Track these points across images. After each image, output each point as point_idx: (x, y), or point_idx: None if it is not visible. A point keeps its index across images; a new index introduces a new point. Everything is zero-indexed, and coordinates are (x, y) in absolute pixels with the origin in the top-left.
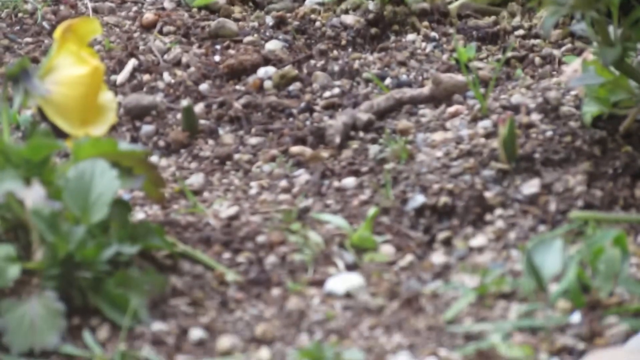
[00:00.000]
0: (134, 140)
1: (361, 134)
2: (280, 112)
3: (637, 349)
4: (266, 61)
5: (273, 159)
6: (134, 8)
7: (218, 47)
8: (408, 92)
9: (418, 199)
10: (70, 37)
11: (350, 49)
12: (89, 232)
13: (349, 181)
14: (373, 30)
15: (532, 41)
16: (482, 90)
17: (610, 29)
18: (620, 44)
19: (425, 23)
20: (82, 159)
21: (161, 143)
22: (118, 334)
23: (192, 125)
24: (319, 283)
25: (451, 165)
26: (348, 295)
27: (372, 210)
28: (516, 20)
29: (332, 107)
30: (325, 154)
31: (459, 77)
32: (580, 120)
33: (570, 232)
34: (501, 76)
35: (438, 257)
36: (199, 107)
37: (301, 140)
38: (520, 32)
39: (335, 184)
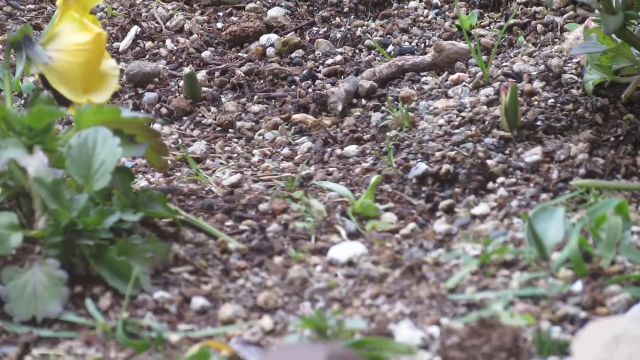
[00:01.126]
0: (137, 107)
1: (363, 101)
2: (282, 79)
3: (639, 317)
4: (268, 28)
5: (275, 126)
6: None
7: (220, 14)
8: (410, 59)
9: (420, 167)
10: (72, 4)
11: (352, 16)
12: (91, 199)
13: (351, 149)
14: None
15: (534, 8)
16: (484, 57)
17: None
18: (622, 12)
19: None
20: (85, 126)
21: (164, 110)
22: (120, 302)
23: (195, 92)
24: (322, 251)
25: (453, 133)
26: (350, 264)
27: (374, 178)
28: None
29: (334, 75)
30: (327, 121)
31: (461, 45)
32: (582, 88)
33: (572, 200)
34: (503, 43)
35: (440, 225)
36: (201, 75)
37: (303, 108)
38: None
39: (338, 151)
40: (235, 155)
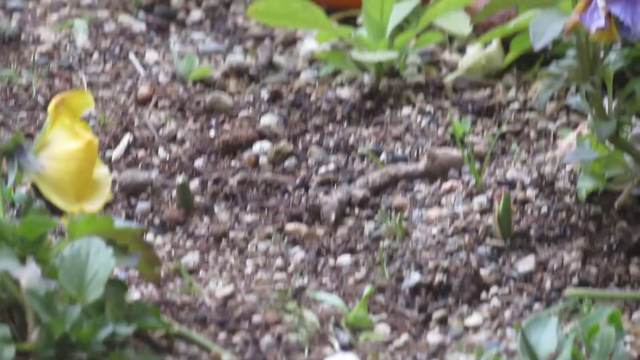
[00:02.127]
0: (129, 217)
1: (356, 210)
2: (275, 188)
3: None
4: (261, 136)
5: (269, 236)
6: (129, 82)
7: (213, 121)
8: (403, 167)
9: (413, 277)
10: (63, 111)
11: (345, 123)
12: (84, 312)
13: (345, 259)
14: (368, 104)
15: (528, 114)
16: (477, 165)
17: (605, 102)
18: (615, 118)
19: (421, 96)
20: (77, 236)
21: (156, 221)
22: None
23: (188, 202)
24: None
25: (446, 243)
26: None
27: (367, 289)
28: (511, 93)
29: (327, 183)
30: (320, 231)
31: (455, 152)
32: (575, 195)
33: (566, 310)
34: (496, 151)
35: (433, 337)
36: (194, 184)
37: (296, 218)
38: (516, 105)
39: (331, 262)
40: (228, 266)
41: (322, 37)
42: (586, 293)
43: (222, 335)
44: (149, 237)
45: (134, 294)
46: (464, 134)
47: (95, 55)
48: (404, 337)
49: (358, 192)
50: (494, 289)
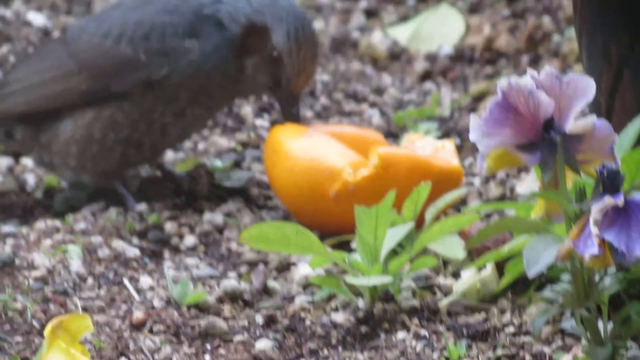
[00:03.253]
0: None
1: None
2: None
3: None
4: None
5: None
6: (124, 307)
7: (208, 346)
8: None
9: None
10: (60, 334)
11: (340, 348)
12: None
13: None
14: (363, 329)
15: (523, 338)
16: None
17: (601, 325)
18: (610, 342)
19: (416, 321)
20: None
21: None
22: None
23: None
24: None
25: None
26: None
27: None
28: (506, 317)
29: None
30: None
31: None
32: None
33: None
34: None
35: None
36: None
37: None
38: (511, 329)
39: None
40: None
41: (316, 263)
42: None
43: None
44: None
45: None
46: (459, 358)
47: (90, 280)
48: None
49: None
50: None
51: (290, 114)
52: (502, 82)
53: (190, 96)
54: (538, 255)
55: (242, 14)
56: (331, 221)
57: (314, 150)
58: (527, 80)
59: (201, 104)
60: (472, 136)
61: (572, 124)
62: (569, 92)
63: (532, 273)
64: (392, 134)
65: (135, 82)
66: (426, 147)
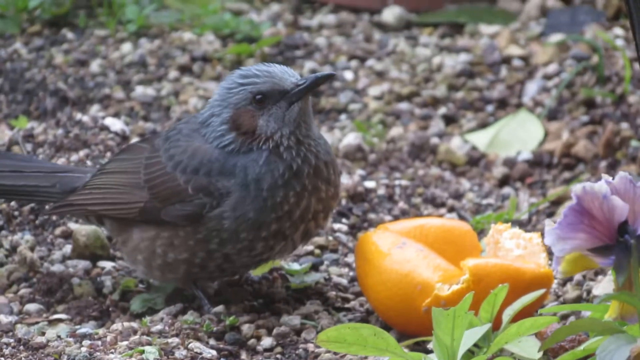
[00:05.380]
0: None
1: None
2: None
3: None
4: None
5: None
6: None
7: None
8: None
9: None
10: None
11: None
12: None
13: None
14: None
15: None
16: None
17: None
18: None
19: None
20: None
21: None
22: None
23: None
24: None
25: None
26: None
27: None
28: None
29: None
30: None
31: None
32: None
33: None
34: None
35: None
36: None
37: None
38: None
39: None
40: None
41: None
42: None
43: None
44: None
45: None
46: None
47: None
48: None
49: None
50: None
51: (311, 85)
52: (576, 188)
53: (255, 233)
54: (611, 355)
55: (221, 119)
56: (423, 331)
57: (406, 263)
58: (602, 185)
59: (279, 232)
60: (547, 240)
61: None
62: None
63: None
64: None
65: (179, 214)
66: (513, 239)
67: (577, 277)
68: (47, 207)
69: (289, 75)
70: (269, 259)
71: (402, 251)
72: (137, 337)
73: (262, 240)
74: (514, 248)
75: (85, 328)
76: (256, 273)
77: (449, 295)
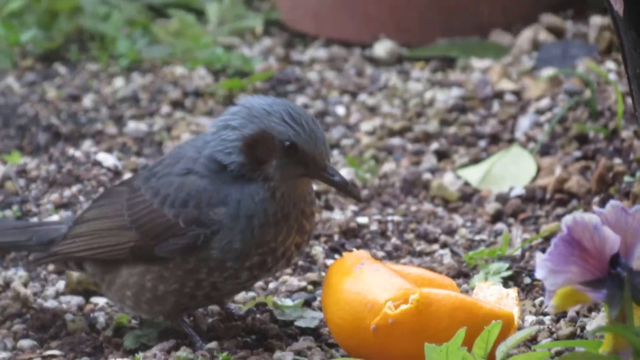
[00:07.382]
0: None
1: None
2: None
3: None
4: None
5: None
6: None
7: None
8: None
9: None
10: None
11: None
12: None
13: None
14: None
15: None
16: None
17: None
18: None
19: None
20: None
21: None
22: None
23: None
24: None
25: None
26: None
27: None
28: None
29: None
30: None
31: None
32: None
33: None
34: None
35: None
36: None
37: None
38: None
39: None
40: None
41: None
42: None
43: None
44: None
45: None
46: None
47: None
48: None
49: None
50: None
51: (338, 183)
52: (567, 218)
53: (241, 263)
54: None
55: (233, 141)
56: (373, 354)
57: (360, 283)
58: (592, 216)
59: (263, 264)
60: (539, 274)
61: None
62: (635, 224)
63: None
64: (464, 274)
65: (174, 249)
66: (494, 294)
67: (571, 313)
68: (30, 257)
69: (325, 151)
70: (252, 285)
71: (360, 270)
72: None
73: (246, 270)
74: (488, 296)
75: None
76: (245, 308)
77: (397, 315)
